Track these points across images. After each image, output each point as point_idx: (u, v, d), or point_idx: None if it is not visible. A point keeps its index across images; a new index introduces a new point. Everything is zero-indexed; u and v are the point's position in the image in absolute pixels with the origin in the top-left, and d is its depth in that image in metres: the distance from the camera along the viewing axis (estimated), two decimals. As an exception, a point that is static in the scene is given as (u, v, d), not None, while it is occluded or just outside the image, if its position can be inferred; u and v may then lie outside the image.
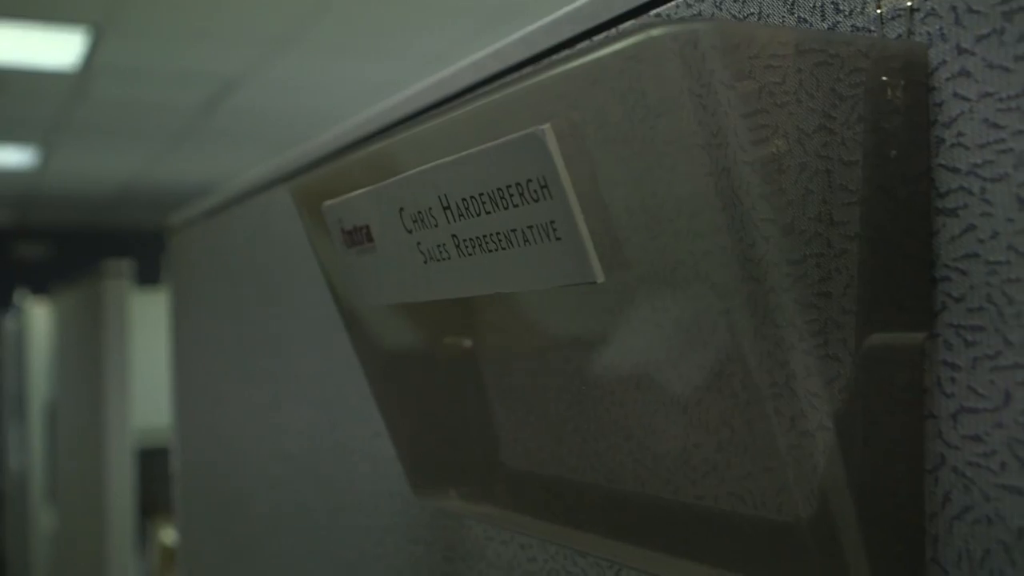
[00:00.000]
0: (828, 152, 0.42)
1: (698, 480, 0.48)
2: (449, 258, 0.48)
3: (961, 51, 0.38)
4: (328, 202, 0.58)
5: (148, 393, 2.77)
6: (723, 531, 0.47)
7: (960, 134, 0.38)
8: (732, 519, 0.46)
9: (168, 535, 3.68)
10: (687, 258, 0.44)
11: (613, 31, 0.57)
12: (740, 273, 0.40)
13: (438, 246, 0.49)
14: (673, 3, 0.52)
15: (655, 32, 0.35)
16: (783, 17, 0.46)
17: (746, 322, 0.42)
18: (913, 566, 0.39)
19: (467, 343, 0.65)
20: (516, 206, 0.42)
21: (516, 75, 0.50)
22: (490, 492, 0.64)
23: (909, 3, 0.40)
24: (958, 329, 0.38)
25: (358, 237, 0.56)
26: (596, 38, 0.59)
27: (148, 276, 3.43)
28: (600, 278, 0.39)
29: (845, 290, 0.41)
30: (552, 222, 0.40)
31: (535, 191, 0.40)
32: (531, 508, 0.61)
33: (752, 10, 0.47)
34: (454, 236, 0.47)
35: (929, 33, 0.39)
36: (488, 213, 0.44)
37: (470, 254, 0.46)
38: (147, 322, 2.73)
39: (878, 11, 0.42)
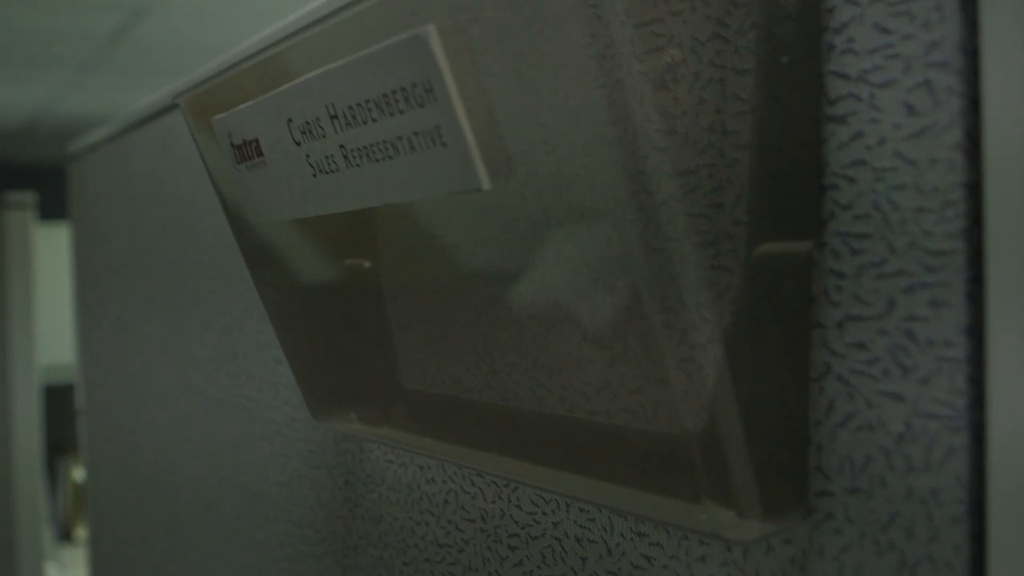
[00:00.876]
0: (722, 61, 0.41)
1: (592, 396, 0.48)
2: (338, 170, 0.47)
3: (853, -46, 0.37)
4: (217, 116, 0.56)
5: (54, 329, 2.70)
6: (616, 446, 0.47)
7: (851, 40, 0.37)
8: (625, 434, 0.46)
9: (79, 473, 3.62)
10: (580, 170, 0.44)
11: (512, -59, 0.56)
12: (633, 185, 0.40)
13: (326, 158, 0.47)
14: (571, -90, 0.50)
15: (540, -75, 0.34)
16: (679, -78, 0.44)
17: (638, 235, 0.42)
18: (797, 475, 0.39)
19: (365, 265, 0.63)
20: (402, 112, 0.40)
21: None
22: (389, 414, 0.63)
23: (803, -94, 0.39)
24: (845, 237, 0.37)
25: (248, 152, 0.55)
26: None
27: (56, 211, 3.33)
28: (486, 184, 0.38)
29: (736, 200, 0.41)
30: (437, 128, 0.39)
31: (420, 96, 0.39)
32: (429, 429, 0.60)
33: (649, -85, 0.46)
34: (342, 147, 0.45)
35: (822, -64, 0.38)
36: (374, 121, 0.42)
37: (358, 165, 0.45)
38: (55, 258, 2.66)
39: (773, -85, 0.41)
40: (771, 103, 0.40)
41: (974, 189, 0.34)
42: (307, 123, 0.47)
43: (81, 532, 3.81)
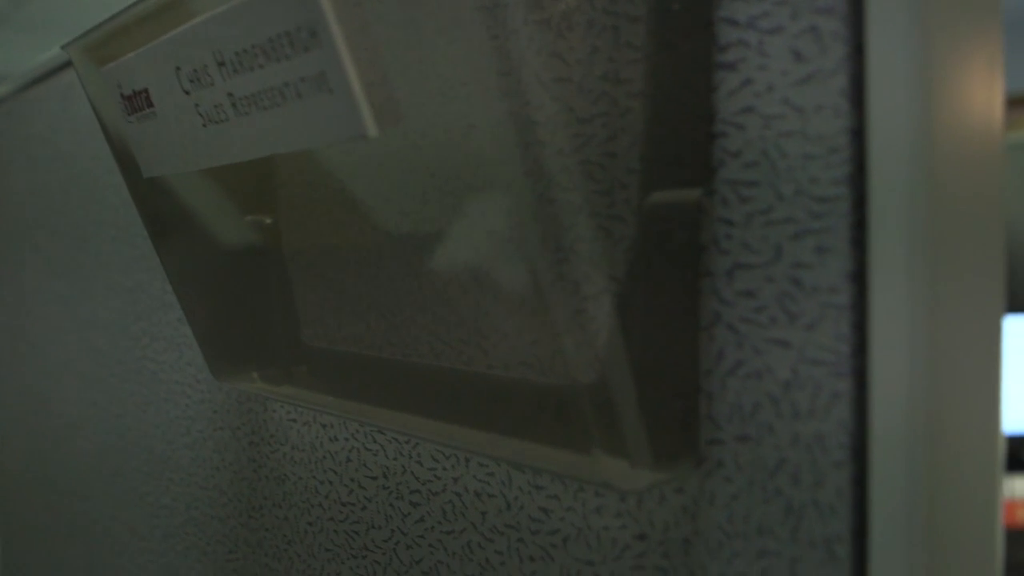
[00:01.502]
0: (615, 8, 0.41)
1: (489, 350, 0.47)
2: (227, 119, 0.45)
3: (743, -101, 0.37)
4: (107, 65, 0.54)
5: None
6: (512, 400, 0.46)
7: (740, -14, 0.37)
8: (520, 387, 0.46)
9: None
10: (475, 121, 0.43)
11: None
12: (527, 136, 0.39)
13: (216, 107, 0.46)
14: None
15: None
16: None
17: (533, 186, 0.41)
18: (688, 424, 0.39)
19: (266, 221, 0.62)
20: (287, 58, 0.39)
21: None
22: (291, 373, 0.62)
23: None
24: (734, 185, 0.37)
25: (138, 103, 0.53)
26: None
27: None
28: (373, 131, 0.37)
29: (629, 149, 0.41)
30: (323, 73, 0.38)
31: (304, 40, 0.38)
32: (331, 387, 0.59)
33: None
34: (230, 95, 0.44)
35: None
36: (261, 67, 0.41)
37: (247, 113, 0.44)
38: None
39: None
40: (663, 51, 0.39)
41: (858, 135, 0.34)
42: (195, 71, 0.46)
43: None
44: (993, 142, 0.35)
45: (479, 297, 0.47)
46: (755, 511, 0.37)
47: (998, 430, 0.36)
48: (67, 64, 1.00)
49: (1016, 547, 1.80)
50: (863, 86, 0.34)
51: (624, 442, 0.38)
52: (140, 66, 0.51)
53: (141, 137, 0.54)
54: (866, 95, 0.33)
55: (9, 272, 1.26)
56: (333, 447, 0.61)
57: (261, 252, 0.62)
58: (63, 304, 1.07)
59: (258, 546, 0.70)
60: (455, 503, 0.51)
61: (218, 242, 0.64)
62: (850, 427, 0.34)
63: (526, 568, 0.47)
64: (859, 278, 0.34)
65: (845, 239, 0.34)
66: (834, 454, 0.35)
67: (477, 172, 0.46)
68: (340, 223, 0.57)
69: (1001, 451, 0.35)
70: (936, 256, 0.33)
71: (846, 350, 0.34)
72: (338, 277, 0.58)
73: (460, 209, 0.47)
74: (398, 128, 0.39)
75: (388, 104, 0.38)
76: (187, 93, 0.47)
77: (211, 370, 0.65)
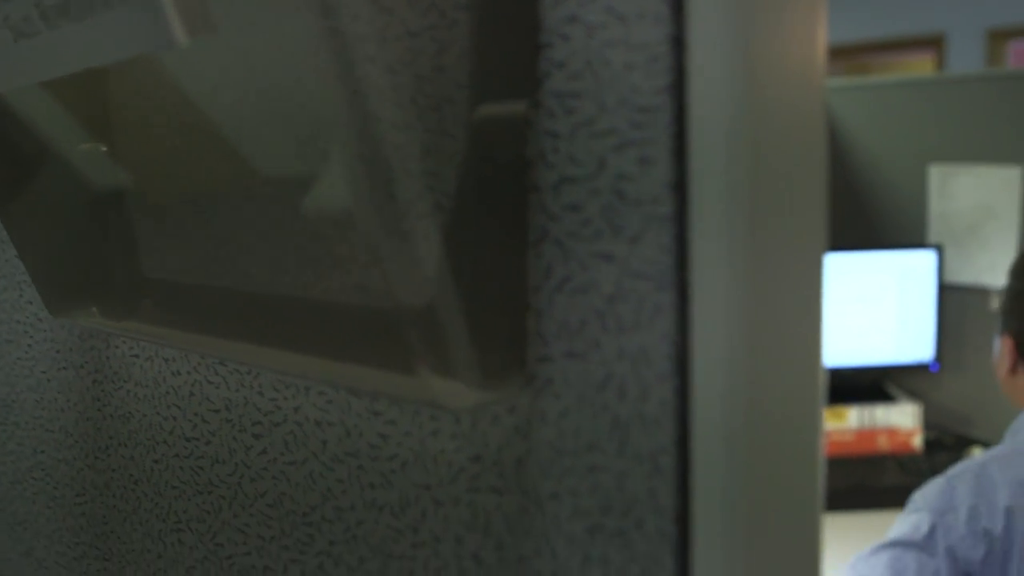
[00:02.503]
0: (443, -84, 0.40)
1: (323, 274, 0.46)
2: (39, 32, 0.43)
3: None
4: (-87, -21, 0.51)
5: None
6: (345, 324, 0.45)
7: None
8: (353, 311, 0.44)
9: None
10: (297, 36, 0.41)
11: None
12: (357, 52, 0.38)
13: (25, 19, 0.43)
14: None
15: None
16: None
17: (361, 103, 0.40)
18: (517, 342, 0.38)
19: (101, 149, 0.59)
20: (91, -39, 0.37)
21: None
22: (132, 307, 0.60)
23: None
24: (560, 96, 0.36)
25: (-52, 18, 0.50)
26: None
27: None
28: (183, 40, 0.35)
29: (458, 62, 0.39)
30: (128, -23, 0.35)
31: (107, -59, 0.35)
32: (171, 320, 0.57)
33: None
34: (37, 5, 0.41)
35: None
36: (66, -27, 0.38)
37: (58, 26, 0.41)
38: None
39: None
40: (491, -40, 0.38)
41: (679, 43, 0.33)
42: (2, -19, 0.43)
43: None
44: (815, 54, 0.35)
45: (311, 221, 0.46)
46: (584, 427, 0.37)
47: (818, 345, 0.36)
48: None
49: (878, 473, 1.88)
50: (683, -8, 0.33)
51: (452, 361, 0.38)
52: (-53, -23, 0.48)
53: (-46, 56, 0.51)
54: (686, 1, 0.33)
55: None
56: (176, 381, 0.59)
57: (97, 182, 0.60)
58: (-99, 245, 1.02)
59: (106, 488, 0.68)
60: (296, 433, 0.50)
61: (51, 172, 0.61)
62: (673, 340, 0.34)
63: (367, 495, 0.47)
64: (680, 188, 0.34)
65: (667, 149, 0.34)
66: (658, 367, 0.35)
67: (304, 92, 0.45)
68: (176, 151, 0.55)
69: (821, 365, 0.36)
70: (756, 167, 0.32)
71: (668, 262, 0.34)
72: (177, 207, 0.56)
73: (289, 131, 0.45)
74: (214, 40, 0.37)
75: (198, 11, 0.36)
76: (-4, 5, 0.45)
77: (47, 306, 0.62)
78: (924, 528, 1.21)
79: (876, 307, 2.02)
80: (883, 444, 1.97)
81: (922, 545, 1.20)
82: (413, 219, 0.39)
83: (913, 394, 2.10)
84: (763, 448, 0.34)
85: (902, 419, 1.97)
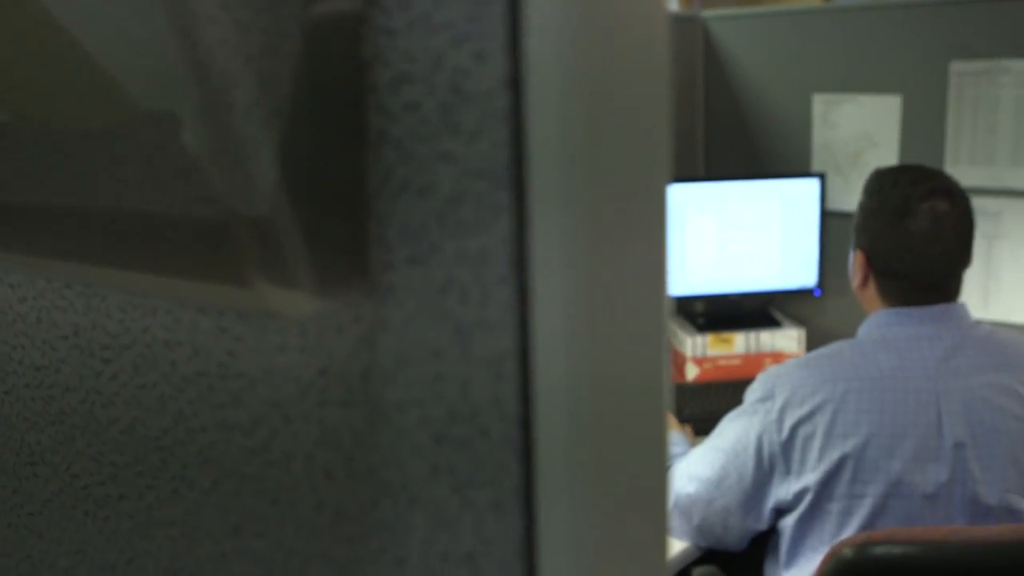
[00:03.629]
0: None
1: (163, 188, 0.44)
2: None
3: None
4: None
5: None
6: (189, 238, 0.43)
7: None
8: (196, 224, 0.43)
9: None
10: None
11: None
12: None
13: None
14: None
15: None
16: None
17: (192, 3, 0.38)
18: (357, 247, 0.37)
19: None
20: None
21: None
22: (-29, 231, 0.57)
23: None
24: (395, -9, 0.35)
25: None
26: None
27: None
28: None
29: (291, -42, 0.38)
30: None
31: None
32: (13, 243, 0.55)
33: None
34: None
35: None
36: None
37: None
38: None
39: None
40: None
41: (512, -69, 0.32)
42: None
43: None
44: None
45: (154, 136, 0.44)
46: (427, 335, 0.36)
47: (663, 243, 0.35)
48: None
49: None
50: None
51: (289, 269, 0.36)
52: None
53: None
54: None
55: None
56: (22, 308, 0.57)
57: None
58: None
59: (-43, 422, 0.65)
60: (145, 355, 0.48)
61: None
62: (513, 242, 0.33)
63: (217, 416, 0.45)
64: (516, 83, 0.33)
65: (501, 43, 0.32)
66: (498, 270, 0.34)
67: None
68: (5, 71, 0.52)
69: (666, 265, 0.35)
70: (591, 58, 0.32)
71: (506, 160, 0.33)
72: (10, 128, 0.53)
73: (118, 38, 0.43)
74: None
75: None
76: None
77: None
78: (744, 418, 1.28)
79: (761, 235, 2.05)
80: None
81: (740, 435, 1.27)
82: (246, 125, 0.38)
83: (797, 319, 2.15)
84: (606, 352, 0.34)
85: (787, 343, 2.02)
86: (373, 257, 0.37)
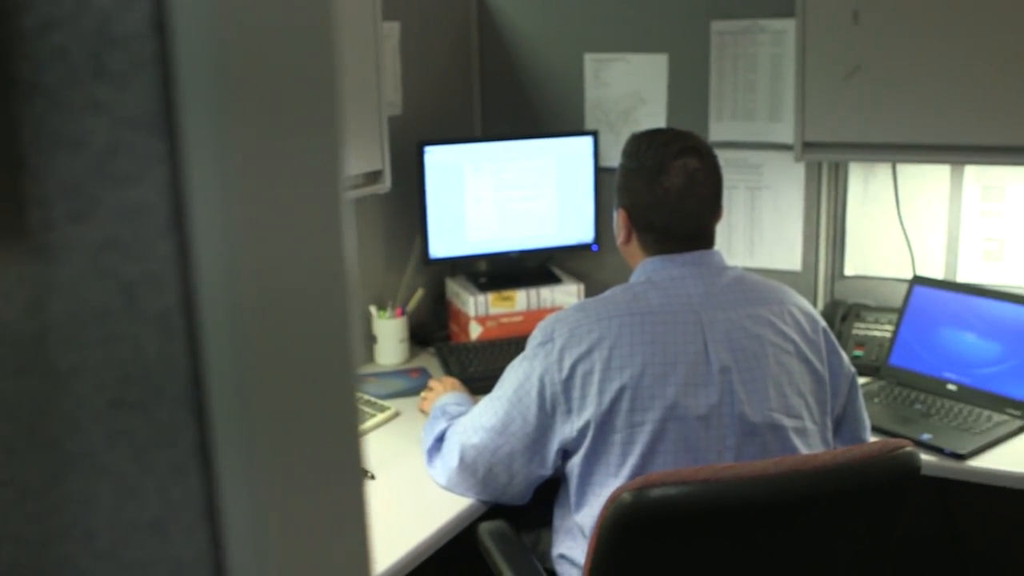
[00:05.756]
0: None
1: None
2: None
3: None
4: None
5: None
6: None
7: None
8: None
9: None
10: None
11: None
12: None
13: None
14: None
15: None
16: None
17: None
18: (13, 205, 0.35)
19: None
20: None
21: None
22: None
23: None
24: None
25: None
26: None
27: None
28: None
29: None
30: None
31: None
32: None
33: None
34: None
35: None
36: None
37: None
38: None
39: None
40: None
41: None
42: None
43: None
44: None
45: None
46: (94, 295, 0.35)
47: (338, 188, 0.35)
48: None
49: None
50: None
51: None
52: None
53: None
54: None
55: None
56: None
57: None
58: None
59: None
60: None
61: None
62: (169, 190, 0.32)
63: None
64: (161, 28, 0.31)
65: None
66: (158, 222, 0.33)
67: None
68: None
69: (340, 212, 0.35)
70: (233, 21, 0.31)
71: (158, 107, 0.32)
72: None
73: None
74: None
75: None
76: None
77: None
78: (525, 363, 1.36)
79: (539, 193, 2.08)
80: (550, 324, 2.05)
81: (522, 380, 1.31)
82: None
83: (576, 274, 2.20)
84: (275, 301, 0.33)
85: (566, 298, 2.07)
86: (33, 216, 0.35)
